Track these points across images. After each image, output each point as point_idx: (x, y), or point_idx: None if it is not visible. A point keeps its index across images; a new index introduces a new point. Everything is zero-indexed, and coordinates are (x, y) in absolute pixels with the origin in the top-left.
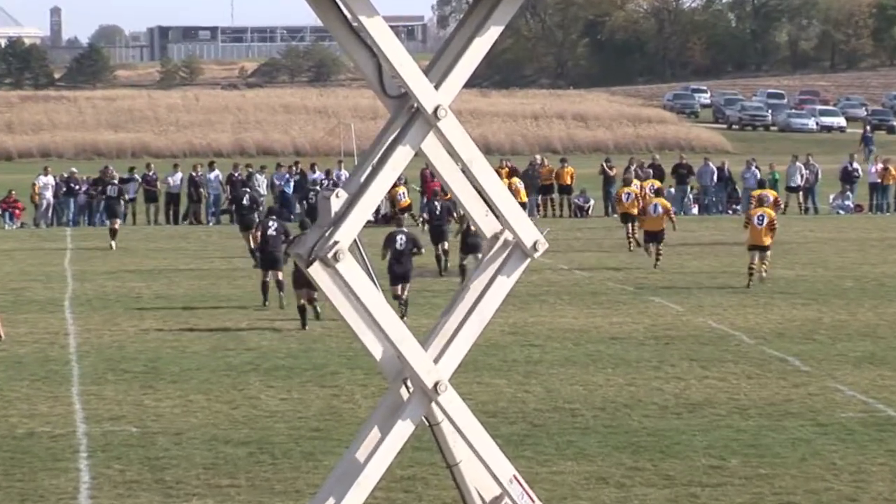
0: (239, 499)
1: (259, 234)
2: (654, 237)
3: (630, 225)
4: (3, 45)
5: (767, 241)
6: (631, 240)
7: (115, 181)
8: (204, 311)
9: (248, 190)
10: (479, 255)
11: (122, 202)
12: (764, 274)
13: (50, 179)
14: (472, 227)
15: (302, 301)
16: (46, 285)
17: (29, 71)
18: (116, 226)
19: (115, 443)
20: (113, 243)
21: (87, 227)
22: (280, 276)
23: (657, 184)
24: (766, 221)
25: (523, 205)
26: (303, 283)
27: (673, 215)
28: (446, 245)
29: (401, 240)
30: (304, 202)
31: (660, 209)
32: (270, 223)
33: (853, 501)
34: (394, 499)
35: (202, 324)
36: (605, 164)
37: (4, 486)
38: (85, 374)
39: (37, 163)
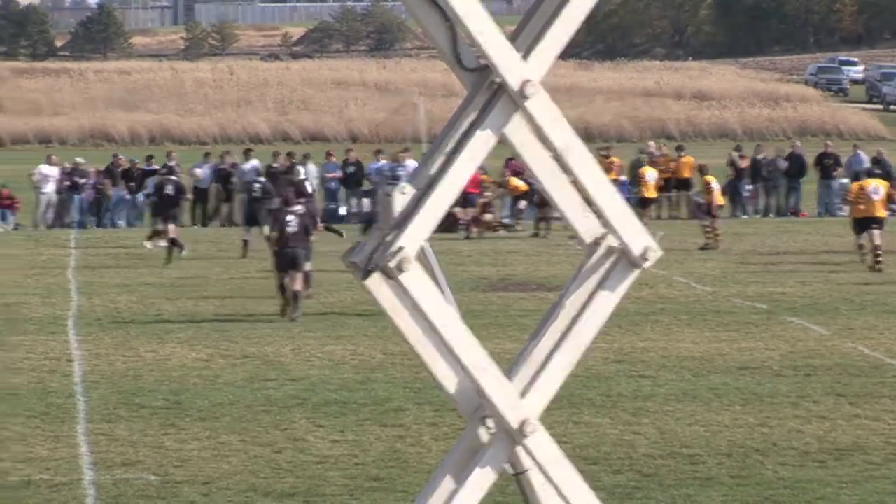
0: None
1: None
2: (873, 224)
3: (713, 221)
4: None
5: None
6: (711, 234)
7: (172, 175)
8: (239, 333)
9: (171, 177)
10: None
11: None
12: None
13: (53, 171)
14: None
15: (285, 282)
16: (46, 300)
17: (25, 38)
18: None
19: (128, 494)
20: (160, 244)
21: (94, 228)
22: (299, 280)
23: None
24: None
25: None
26: (287, 265)
27: None
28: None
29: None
30: (249, 195)
31: (881, 191)
32: (289, 217)
33: None
34: None
35: (236, 348)
36: (734, 154)
37: None
38: (93, 410)
39: (34, 150)
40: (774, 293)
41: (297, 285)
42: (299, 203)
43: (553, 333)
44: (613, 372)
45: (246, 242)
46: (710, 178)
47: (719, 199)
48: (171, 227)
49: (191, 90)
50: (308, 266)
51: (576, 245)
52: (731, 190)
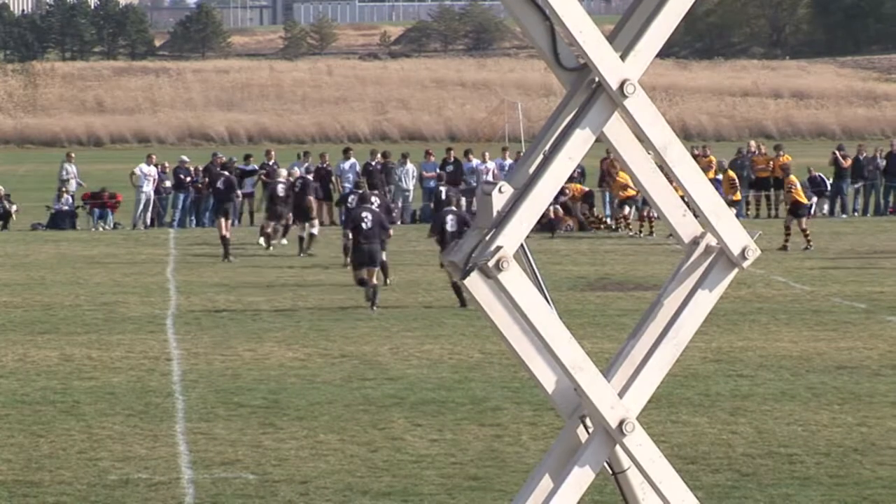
0: None
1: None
2: None
3: (799, 220)
4: (93, 7)
5: None
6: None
7: (282, 174)
8: (337, 332)
9: (225, 173)
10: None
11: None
12: None
13: (152, 170)
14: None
15: (364, 277)
16: (145, 299)
17: (124, 37)
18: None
19: (227, 493)
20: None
21: (192, 227)
22: (377, 274)
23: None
24: None
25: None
26: (364, 261)
27: None
28: None
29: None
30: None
31: None
32: (364, 213)
33: None
34: None
35: (334, 347)
36: (836, 153)
37: None
38: (191, 409)
39: (132, 149)
40: (873, 292)
41: (375, 280)
42: (374, 195)
43: (651, 333)
44: (711, 371)
45: (268, 236)
46: (793, 178)
47: (801, 198)
48: (226, 223)
49: (289, 89)
50: (384, 257)
51: (673, 242)
52: (833, 189)
